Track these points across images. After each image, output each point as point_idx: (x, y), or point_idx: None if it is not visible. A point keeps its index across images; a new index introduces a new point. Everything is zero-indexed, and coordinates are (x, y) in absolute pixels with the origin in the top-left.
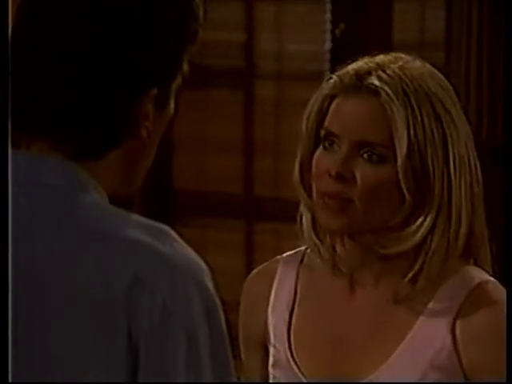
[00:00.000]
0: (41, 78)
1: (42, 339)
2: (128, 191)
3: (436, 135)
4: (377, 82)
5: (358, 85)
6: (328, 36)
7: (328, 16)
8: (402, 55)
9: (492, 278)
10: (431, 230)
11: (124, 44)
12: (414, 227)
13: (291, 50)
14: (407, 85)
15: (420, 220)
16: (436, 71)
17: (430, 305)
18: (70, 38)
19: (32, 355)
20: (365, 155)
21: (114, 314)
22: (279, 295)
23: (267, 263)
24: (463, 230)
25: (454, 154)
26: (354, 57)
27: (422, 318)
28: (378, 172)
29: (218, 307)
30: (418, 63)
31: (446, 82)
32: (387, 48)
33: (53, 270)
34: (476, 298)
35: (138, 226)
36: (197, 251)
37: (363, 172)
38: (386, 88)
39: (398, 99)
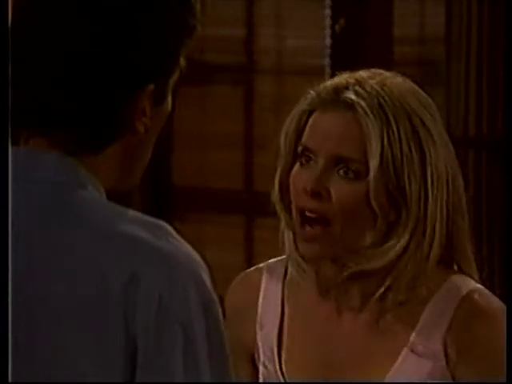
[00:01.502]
0: (39, 76)
1: (41, 338)
2: (126, 186)
3: (414, 152)
4: (353, 97)
5: (335, 99)
6: (328, 31)
7: (328, 11)
8: (382, 71)
9: (478, 285)
10: (405, 249)
11: (122, 41)
12: (389, 245)
13: (291, 45)
14: (385, 100)
15: (395, 239)
16: (417, 88)
17: (419, 325)
18: (68, 35)
19: (31, 355)
20: (341, 171)
21: (112, 311)
22: (266, 312)
23: (250, 271)
24: (435, 251)
25: (431, 172)
26: (354, 52)
27: (412, 338)
28: (353, 189)
29: (216, 303)
30: (398, 79)
31: (428, 99)
32: (387, 43)
33: (51, 267)
34: (464, 313)
35: (135, 222)
36: (196, 247)
37: (338, 188)
38: (362, 102)
39: (373, 113)
